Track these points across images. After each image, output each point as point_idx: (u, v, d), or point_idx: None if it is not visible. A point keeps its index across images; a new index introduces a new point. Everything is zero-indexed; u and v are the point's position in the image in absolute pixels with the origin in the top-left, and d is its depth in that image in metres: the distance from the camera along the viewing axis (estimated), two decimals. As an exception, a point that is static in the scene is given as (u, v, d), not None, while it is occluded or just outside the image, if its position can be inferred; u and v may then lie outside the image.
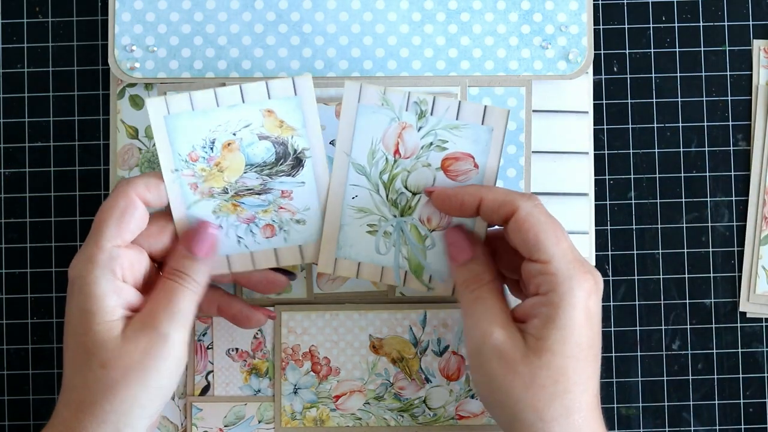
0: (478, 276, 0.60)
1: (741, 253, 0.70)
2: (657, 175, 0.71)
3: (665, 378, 0.70)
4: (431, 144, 0.61)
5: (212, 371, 0.68)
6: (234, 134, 0.62)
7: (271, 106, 0.62)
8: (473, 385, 0.68)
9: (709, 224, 0.71)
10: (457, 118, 0.60)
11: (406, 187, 0.63)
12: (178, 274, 0.60)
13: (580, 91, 0.69)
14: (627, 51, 0.71)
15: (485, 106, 0.60)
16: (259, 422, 0.68)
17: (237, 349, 0.68)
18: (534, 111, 0.68)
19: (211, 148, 0.62)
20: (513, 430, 0.58)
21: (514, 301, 0.62)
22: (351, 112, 0.63)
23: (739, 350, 0.70)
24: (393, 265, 0.65)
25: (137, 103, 0.69)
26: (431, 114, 0.61)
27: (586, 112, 0.69)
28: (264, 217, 0.63)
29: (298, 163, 0.63)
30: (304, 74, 0.62)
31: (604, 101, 0.71)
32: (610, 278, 0.70)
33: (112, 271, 0.59)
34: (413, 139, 0.62)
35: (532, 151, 0.69)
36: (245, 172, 0.63)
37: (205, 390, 0.68)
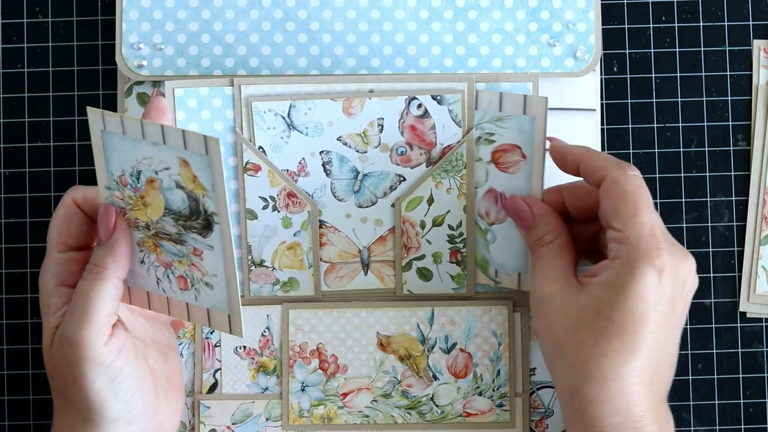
0: (540, 239, 0.61)
1: (741, 253, 0.71)
2: (657, 175, 0.71)
3: (668, 376, 0.70)
4: (480, 138, 0.61)
5: (220, 369, 0.68)
6: (156, 173, 0.59)
7: (186, 156, 0.57)
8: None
9: (709, 224, 0.71)
10: (500, 110, 0.60)
11: None
12: (89, 269, 0.60)
13: (588, 89, 0.69)
14: (627, 51, 0.71)
15: (525, 96, 0.59)
16: (267, 420, 0.68)
17: (245, 347, 0.68)
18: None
19: (137, 179, 0.59)
20: (556, 387, 0.59)
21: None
22: None
23: (739, 350, 0.71)
24: None
25: (144, 101, 0.69)
26: (476, 108, 0.61)
27: (594, 110, 0.69)
28: (179, 267, 0.61)
29: (208, 225, 0.59)
30: (214, 136, 0.55)
31: (604, 101, 0.71)
32: (614, 276, 0.71)
33: (55, 275, 0.61)
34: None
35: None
36: (164, 215, 0.60)
37: (213, 388, 0.68)
